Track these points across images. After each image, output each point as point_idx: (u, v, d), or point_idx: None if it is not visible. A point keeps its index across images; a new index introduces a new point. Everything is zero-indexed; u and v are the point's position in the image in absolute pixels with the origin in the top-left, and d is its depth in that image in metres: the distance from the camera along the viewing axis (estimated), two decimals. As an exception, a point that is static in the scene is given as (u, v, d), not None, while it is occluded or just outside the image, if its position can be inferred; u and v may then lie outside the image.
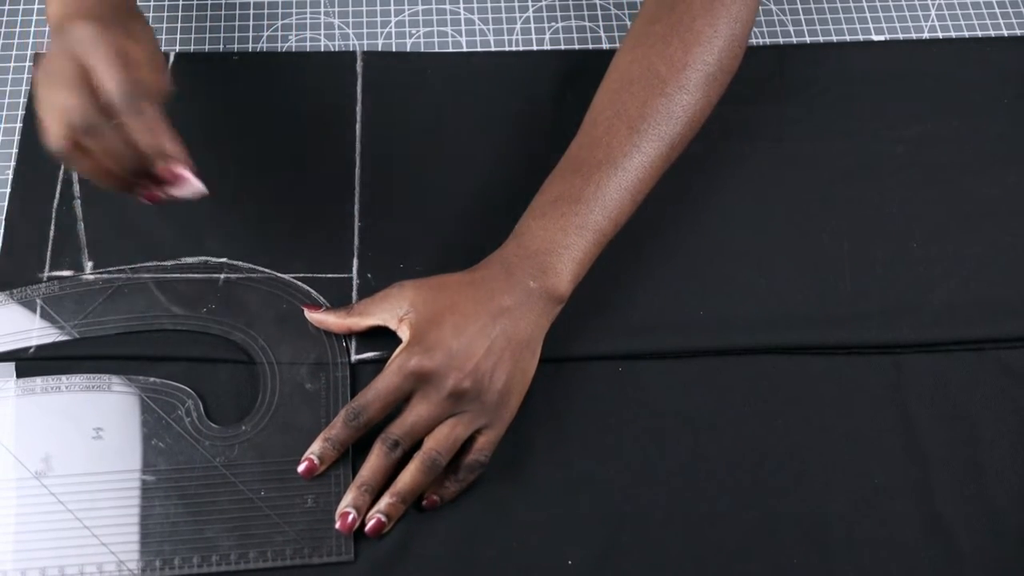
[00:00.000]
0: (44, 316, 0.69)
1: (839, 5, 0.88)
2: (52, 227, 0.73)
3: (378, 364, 0.70)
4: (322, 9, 0.86)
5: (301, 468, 0.65)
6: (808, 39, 0.86)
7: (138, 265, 0.72)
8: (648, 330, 0.72)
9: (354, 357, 0.70)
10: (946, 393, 0.71)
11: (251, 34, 0.84)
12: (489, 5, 0.86)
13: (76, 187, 0.75)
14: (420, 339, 0.64)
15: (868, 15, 0.88)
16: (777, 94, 0.82)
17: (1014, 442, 0.70)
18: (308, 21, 0.85)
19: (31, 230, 0.73)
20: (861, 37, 0.87)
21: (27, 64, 0.81)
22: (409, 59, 0.83)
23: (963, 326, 0.73)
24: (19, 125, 0.78)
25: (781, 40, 0.86)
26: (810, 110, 0.81)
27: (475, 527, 0.66)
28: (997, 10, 0.89)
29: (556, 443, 0.69)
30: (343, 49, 0.83)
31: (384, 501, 0.64)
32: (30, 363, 0.69)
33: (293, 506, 0.65)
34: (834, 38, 0.86)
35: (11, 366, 0.69)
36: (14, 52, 0.82)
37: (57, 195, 0.75)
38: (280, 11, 0.85)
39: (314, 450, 0.65)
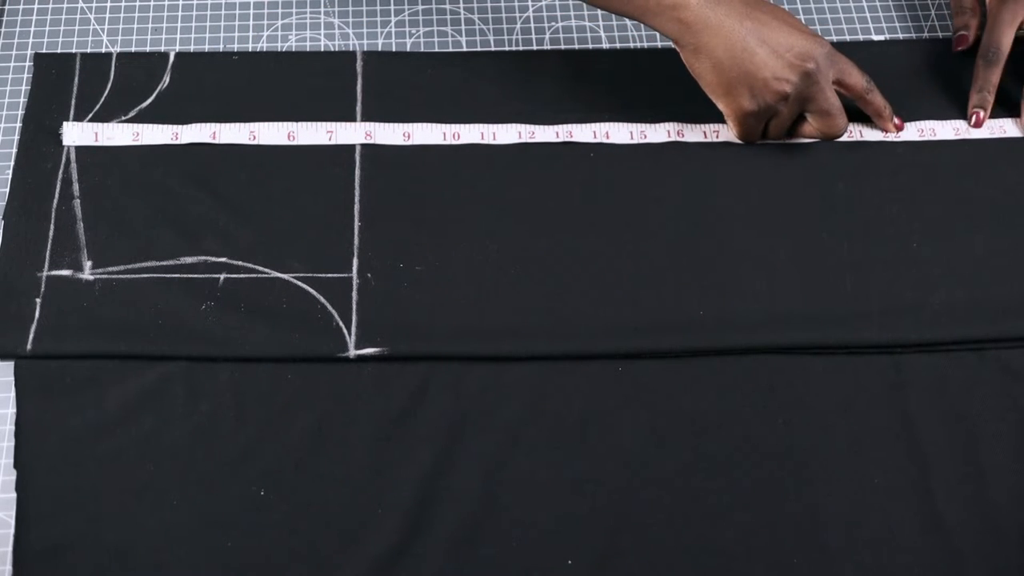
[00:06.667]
0: None
1: (839, 5, 0.88)
2: (51, 226, 0.73)
3: (378, 360, 0.70)
4: (322, 9, 0.86)
5: (972, 122, 0.80)
6: (808, 39, 0.86)
7: (138, 265, 0.72)
8: (648, 330, 0.72)
9: (353, 352, 0.70)
10: (946, 393, 0.71)
11: (251, 34, 0.84)
12: (489, 5, 0.86)
13: (76, 187, 0.75)
14: None
15: (868, 15, 0.88)
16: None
17: (1014, 442, 0.70)
18: (308, 21, 0.85)
19: (31, 229, 0.73)
20: (861, 37, 0.87)
21: (27, 64, 0.81)
22: (409, 59, 0.83)
23: (963, 326, 0.73)
24: (19, 125, 0.78)
25: (781, 40, 0.86)
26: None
27: (475, 527, 0.66)
28: (997, 10, 0.89)
29: (556, 443, 0.69)
30: (343, 49, 0.83)
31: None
32: (28, 362, 0.69)
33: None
34: (834, 38, 0.86)
35: (10, 365, 0.69)
36: (14, 52, 0.82)
37: (57, 194, 0.75)
38: (280, 11, 0.85)
39: (975, 102, 0.80)
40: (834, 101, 0.76)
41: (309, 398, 0.69)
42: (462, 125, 0.79)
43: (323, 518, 0.66)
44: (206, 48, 0.83)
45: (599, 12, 0.86)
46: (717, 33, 0.73)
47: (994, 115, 0.82)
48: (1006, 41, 0.80)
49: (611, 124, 0.80)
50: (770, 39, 0.73)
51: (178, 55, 0.81)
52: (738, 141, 0.79)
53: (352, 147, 0.78)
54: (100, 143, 0.77)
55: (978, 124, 0.81)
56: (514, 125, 0.79)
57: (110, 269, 0.72)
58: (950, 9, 0.86)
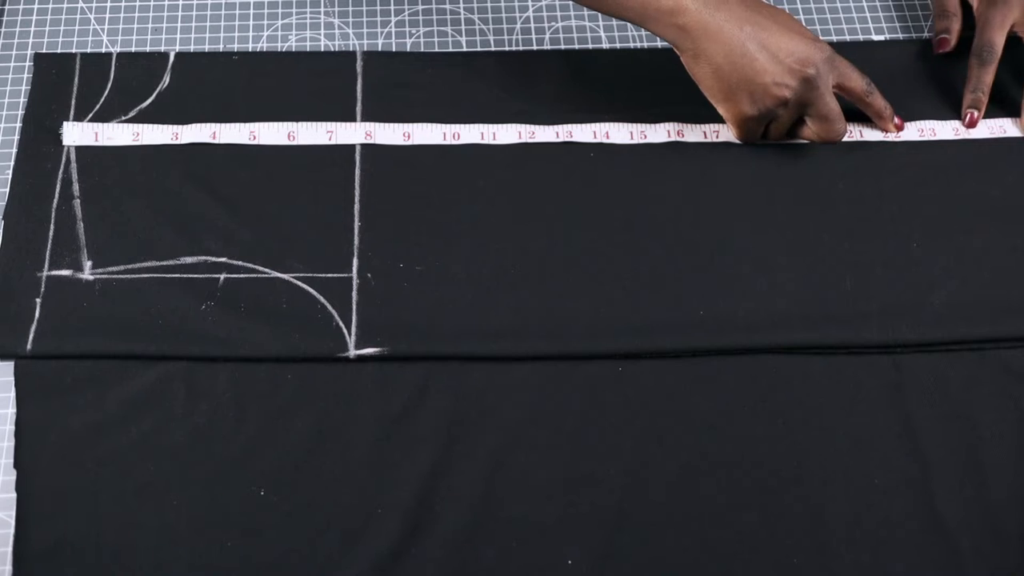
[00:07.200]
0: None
1: (839, 5, 0.88)
2: (52, 227, 0.73)
3: (378, 360, 0.70)
4: (322, 9, 0.86)
5: (965, 121, 0.80)
6: (808, 39, 0.86)
7: (138, 265, 0.72)
8: (648, 330, 0.72)
9: (353, 352, 0.70)
10: (946, 393, 0.71)
11: (251, 34, 0.84)
12: (489, 5, 0.86)
13: (76, 187, 0.75)
14: None
15: (868, 15, 0.88)
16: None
17: (1014, 442, 0.70)
18: (308, 21, 0.85)
19: (31, 230, 0.73)
20: (861, 37, 0.87)
21: (27, 64, 0.81)
22: (409, 59, 0.83)
23: (963, 326, 0.73)
24: (19, 125, 0.78)
25: (781, 40, 0.86)
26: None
27: (475, 527, 0.66)
28: (997, 10, 0.89)
29: (556, 443, 0.69)
30: (343, 49, 0.83)
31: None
32: (28, 362, 0.69)
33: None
34: (834, 38, 0.86)
35: (10, 365, 0.69)
36: (14, 52, 0.82)
37: (57, 195, 0.75)
38: (280, 11, 0.85)
39: (968, 103, 0.80)
40: (833, 106, 0.76)
41: (309, 398, 0.69)
42: (462, 125, 0.79)
43: (323, 518, 0.66)
44: (206, 48, 0.83)
45: (599, 13, 0.86)
46: (716, 38, 0.73)
47: (994, 115, 0.82)
48: (999, 41, 0.80)
49: (611, 124, 0.80)
50: (770, 44, 0.73)
51: (178, 55, 0.81)
52: (738, 141, 0.79)
53: (352, 147, 0.78)
54: (100, 143, 0.77)
55: (972, 124, 0.81)
56: (514, 125, 0.79)
57: (110, 269, 0.72)
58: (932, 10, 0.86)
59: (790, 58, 0.73)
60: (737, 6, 0.73)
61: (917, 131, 0.81)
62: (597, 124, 0.80)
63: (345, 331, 0.71)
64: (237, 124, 0.78)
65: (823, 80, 0.74)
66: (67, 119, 0.78)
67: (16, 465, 0.66)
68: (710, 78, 0.74)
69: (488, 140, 0.79)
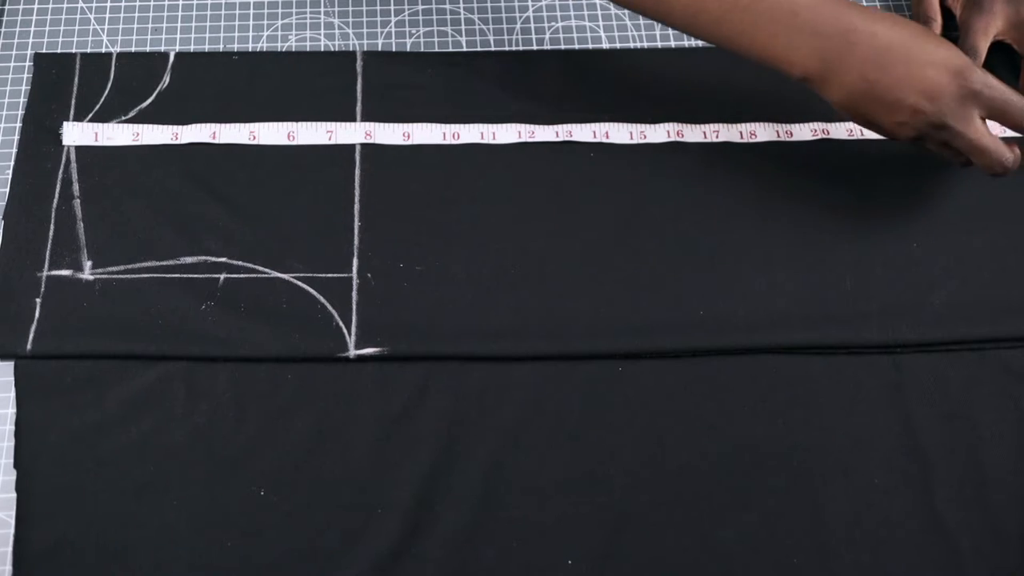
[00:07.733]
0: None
1: (839, 5, 0.88)
2: (51, 227, 0.73)
3: (378, 360, 0.70)
4: (322, 9, 0.86)
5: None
6: (808, 39, 0.86)
7: (138, 265, 0.72)
8: (648, 330, 0.72)
9: (353, 352, 0.70)
10: (946, 393, 0.71)
11: (251, 34, 0.84)
12: (489, 5, 0.86)
13: (76, 187, 0.75)
14: None
15: (868, 15, 0.88)
16: (778, 94, 0.82)
17: (1014, 442, 0.70)
18: (308, 21, 0.85)
19: (31, 230, 0.73)
20: (861, 37, 0.87)
21: (27, 64, 0.81)
22: (409, 59, 0.83)
23: (963, 326, 0.73)
24: (19, 125, 0.78)
25: (781, 40, 0.86)
26: (810, 109, 0.81)
27: (475, 527, 0.66)
28: (997, 10, 0.89)
29: (556, 443, 0.69)
30: (343, 49, 0.83)
31: None
32: (28, 362, 0.69)
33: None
34: (834, 38, 0.86)
35: (10, 365, 0.69)
36: (14, 52, 0.82)
37: (57, 195, 0.75)
38: (280, 11, 0.85)
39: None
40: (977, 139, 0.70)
41: (309, 398, 0.69)
42: (462, 125, 0.79)
43: (323, 518, 0.66)
44: (206, 48, 0.83)
45: (599, 12, 0.86)
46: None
47: None
48: (982, 46, 0.80)
49: (611, 124, 0.80)
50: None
51: (178, 55, 0.81)
52: (738, 141, 0.79)
53: (352, 147, 0.78)
54: (100, 143, 0.77)
55: None
56: (514, 125, 0.79)
57: (110, 269, 0.72)
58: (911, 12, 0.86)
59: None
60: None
61: None
62: (597, 124, 0.80)
63: (345, 331, 0.71)
64: (237, 124, 0.78)
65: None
66: (67, 119, 0.78)
67: (16, 465, 0.66)
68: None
69: (488, 140, 0.79)
